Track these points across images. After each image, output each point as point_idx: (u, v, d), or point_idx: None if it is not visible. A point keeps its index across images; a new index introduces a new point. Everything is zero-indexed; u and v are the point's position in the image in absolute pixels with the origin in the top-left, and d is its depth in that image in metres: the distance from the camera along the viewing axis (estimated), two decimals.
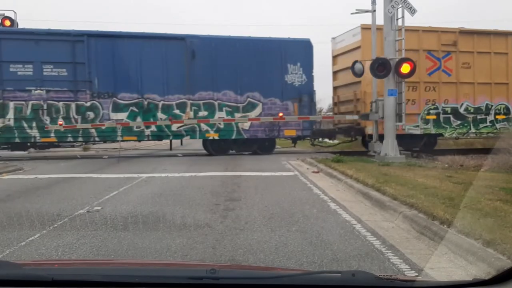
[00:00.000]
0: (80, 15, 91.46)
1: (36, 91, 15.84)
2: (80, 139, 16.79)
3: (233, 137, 17.31)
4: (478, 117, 18.09)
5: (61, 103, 16.09)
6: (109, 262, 2.93)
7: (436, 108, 17.72)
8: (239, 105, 17.23)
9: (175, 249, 4.67)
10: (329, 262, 4.24)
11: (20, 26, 17.10)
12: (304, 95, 17.56)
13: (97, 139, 17.19)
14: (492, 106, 18.16)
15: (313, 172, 11.73)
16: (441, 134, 18.11)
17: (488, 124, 18.23)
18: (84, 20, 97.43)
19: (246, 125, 17.29)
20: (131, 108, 16.56)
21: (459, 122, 17.96)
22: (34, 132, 15.94)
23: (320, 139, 20.21)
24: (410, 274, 3.97)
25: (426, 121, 17.64)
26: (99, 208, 6.86)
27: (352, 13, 15.96)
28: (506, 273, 1.66)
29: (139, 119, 16.59)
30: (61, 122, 15.99)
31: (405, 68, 13.82)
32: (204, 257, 4.42)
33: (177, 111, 16.84)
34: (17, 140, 16.02)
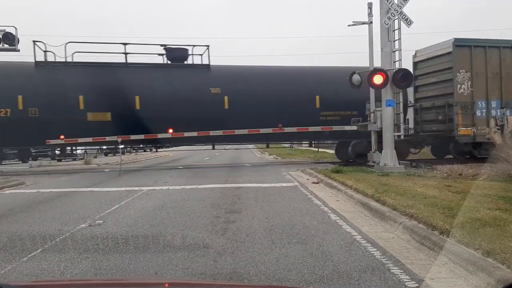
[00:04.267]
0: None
1: None
2: None
3: None
4: None
5: None
6: (110, 282, 2.94)
7: None
8: None
9: (177, 262, 4.69)
10: (330, 274, 4.26)
11: (21, 42, 17.23)
12: None
13: None
14: None
15: (313, 182, 11.77)
16: None
17: None
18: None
19: None
20: None
21: None
22: None
23: None
24: (411, 284, 3.99)
25: None
26: (101, 222, 6.89)
27: (349, 25, 16.14)
28: None
29: None
30: (62, 136, 16.12)
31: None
32: (205, 270, 4.44)
33: None
34: None
